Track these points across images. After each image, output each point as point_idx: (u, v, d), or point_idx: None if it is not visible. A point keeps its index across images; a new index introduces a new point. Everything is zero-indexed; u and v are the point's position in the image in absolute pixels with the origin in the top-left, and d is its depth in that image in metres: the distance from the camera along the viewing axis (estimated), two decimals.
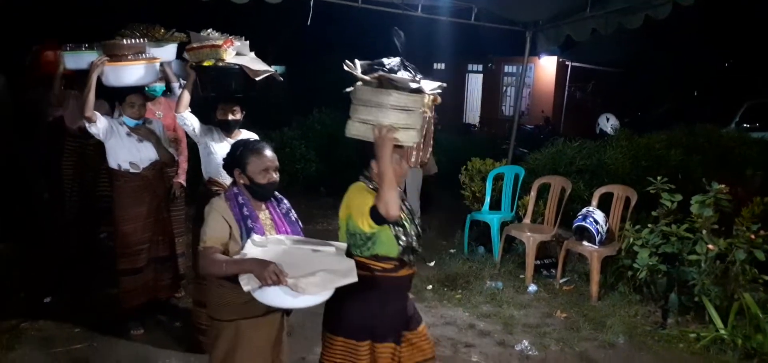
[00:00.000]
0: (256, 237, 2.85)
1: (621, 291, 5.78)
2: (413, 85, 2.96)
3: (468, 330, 5.14)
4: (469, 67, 20.29)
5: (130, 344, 4.62)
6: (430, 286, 5.94)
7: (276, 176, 3.01)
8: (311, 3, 6.98)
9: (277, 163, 3.04)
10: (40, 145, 6.60)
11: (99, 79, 4.47)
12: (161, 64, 4.71)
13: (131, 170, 4.62)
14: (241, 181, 2.99)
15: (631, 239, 5.63)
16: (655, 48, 15.79)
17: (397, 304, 3.06)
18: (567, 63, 17.72)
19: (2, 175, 6.94)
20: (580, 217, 5.99)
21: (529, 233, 6.30)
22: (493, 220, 6.82)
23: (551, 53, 16.84)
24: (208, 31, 4.42)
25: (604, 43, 12.42)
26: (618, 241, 5.91)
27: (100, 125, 4.49)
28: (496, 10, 7.91)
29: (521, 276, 6.31)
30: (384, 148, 2.82)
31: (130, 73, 4.56)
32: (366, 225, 2.87)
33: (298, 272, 2.67)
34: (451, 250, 7.01)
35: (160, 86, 5.22)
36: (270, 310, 2.87)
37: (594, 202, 6.18)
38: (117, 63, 4.49)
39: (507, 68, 19.41)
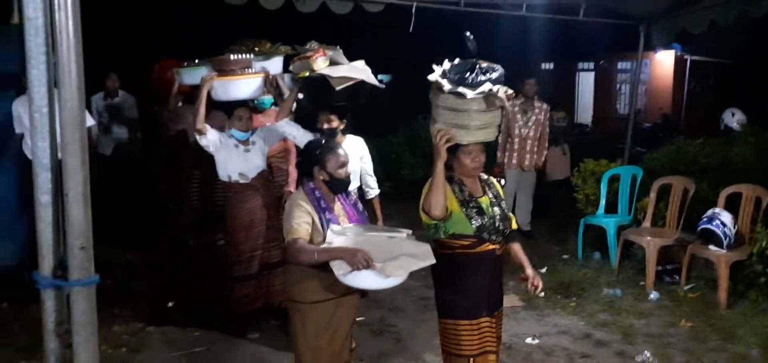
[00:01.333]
0: (334, 226, 3.16)
1: (752, 299, 5.34)
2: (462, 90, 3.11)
3: (584, 340, 4.91)
4: (579, 65, 19.63)
5: (246, 347, 4.77)
6: (542, 294, 5.71)
7: (349, 171, 3.35)
8: (413, 9, 7.00)
9: (348, 159, 3.36)
10: (161, 158, 6.99)
11: (209, 94, 4.66)
12: (274, 77, 4.83)
13: (241, 181, 4.78)
14: (321, 177, 3.28)
15: (764, 243, 5.18)
16: None
17: (482, 278, 3.23)
18: (686, 57, 16.76)
19: (131, 187, 7.43)
20: (705, 219, 5.58)
21: (649, 237, 5.95)
22: (609, 224, 6.50)
23: (669, 47, 16.00)
24: (311, 42, 4.53)
25: (724, 35, 11.70)
26: (748, 245, 5.47)
27: (210, 138, 4.68)
28: (606, 4, 7.58)
29: (641, 283, 5.96)
30: (435, 150, 3.07)
31: (237, 87, 4.71)
32: (424, 216, 3.16)
33: (380, 257, 2.97)
34: (564, 256, 6.74)
35: (268, 99, 5.37)
36: (349, 292, 3.21)
37: (720, 204, 5.75)
38: (225, 77, 4.66)
39: (620, 65, 18.61)
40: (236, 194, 4.81)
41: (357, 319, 4.96)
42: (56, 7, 1.84)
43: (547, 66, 19.31)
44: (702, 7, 6.97)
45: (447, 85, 3.21)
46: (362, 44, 5.15)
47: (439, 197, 3.05)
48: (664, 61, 17.21)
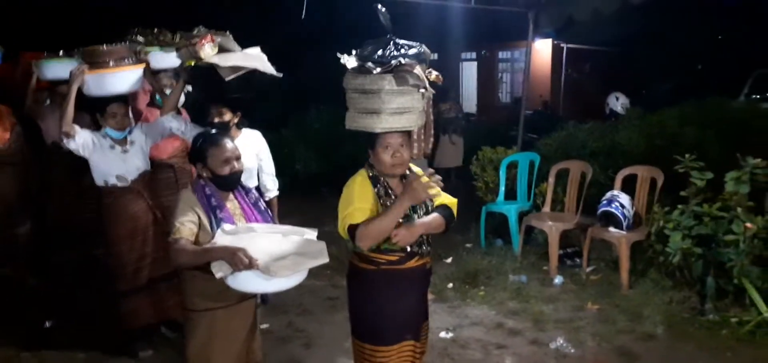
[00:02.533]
0: (226, 226, 2.90)
1: (652, 278, 5.48)
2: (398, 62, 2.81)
3: (497, 329, 4.84)
4: (463, 55, 20.01)
5: None
6: (450, 285, 5.62)
7: (238, 166, 3.05)
8: None
9: (238, 152, 3.07)
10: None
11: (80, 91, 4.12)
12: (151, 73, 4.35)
13: (119, 184, 4.25)
14: (204, 174, 3.03)
15: (661, 222, 5.33)
16: (652, 24, 15.49)
17: (410, 298, 2.91)
18: (562, 45, 17.45)
19: None
20: (604, 202, 5.69)
21: (550, 222, 5.99)
22: (511, 210, 6.51)
23: (545, 36, 16.56)
24: (198, 28, 4.12)
25: (598, 23, 12.21)
26: (646, 226, 5.62)
27: (79, 140, 4.11)
28: None
29: (545, 268, 6.01)
30: (409, 190, 2.70)
31: (114, 80, 4.18)
32: (342, 230, 2.81)
33: (270, 257, 2.74)
34: (467, 245, 6.70)
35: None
36: (244, 298, 3.00)
37: (617, 186, 5.88)
38: (99, 70, 4.12)
39: (501, 54, 19.16)
40: (116, 200, 4.27)
41: (262, 326, 4.67)
42: None
43: (432, 56, 19.50)
44: None
45: (351, 62, 2.90)
46: (250, 31, 4.77)
47: (385, 233, 2.72)
48: (542, 50, 17.82)
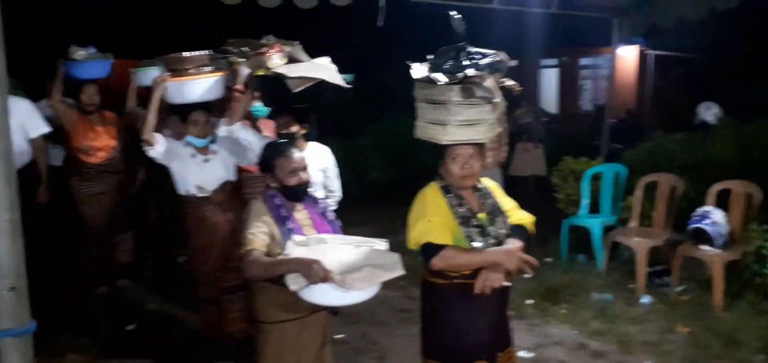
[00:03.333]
0: (296, 237, 2.88)
1: (749, 300, 5.09)
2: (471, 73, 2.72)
3: (579, 350, 4.60)
4: (542, 62, 19.53)
5: None
6: (530, 301, 5.39)
7: (305, 176, 3.05)
8: (381, 3, 6.60)
9: (305, 163, 3.07)
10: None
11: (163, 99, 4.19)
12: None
13: (199, 194, 4.25)
14: (273, 185, 3.03)
15: (759, 241, 4.95)
16: (744, 30, 14.65)
17: (484, 316, 2.77)
18: (648, 52, 16.74)
19: None
20: (696, 218, 5.33)
21: (638, 238, 5.68)
22: (594, 224, 6.21)
23: (630, 43, 15.95)
24: (267, 37, 4.08)
25: (686, 30, 11.68)
26: (742, 244, 5.23)
27: (159, 148, 4.15)
28: None
29: (631, 286, 5.68)
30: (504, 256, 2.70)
31: (194, 88, 4.21)
32: (414, 243, 2.74)
33: (343, 269, 2.69)
34: (548, 259, 6.41)
35: (262, 107, 4.74)
36: (315, 310, 2.95)
37: (710, 201, 5.50)
38: (179, 78, 4.17)
39: (582, 61, 18.58)
40: (195, 209, 4.27)
41: (336, 336, 4.61)
42: None
43: (511, 63, 19.14)
44: (672, 1, 6.84)
45: (421, 71, 2.82)
46: (326, 41, 4.72)
47: (464, 269, 2.70)
48: (626, 57, 17.17)
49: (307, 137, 4.20)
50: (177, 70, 4.18)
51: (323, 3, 6.43)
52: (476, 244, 2.70)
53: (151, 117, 4.08)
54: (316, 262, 2.64)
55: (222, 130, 4.13)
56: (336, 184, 4.37)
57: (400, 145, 10.02)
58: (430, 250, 2.67)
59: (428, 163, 8.49)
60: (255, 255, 2.77)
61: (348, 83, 4.21)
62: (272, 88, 3.90)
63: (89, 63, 5.24)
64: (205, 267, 4.32)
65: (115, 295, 5.56)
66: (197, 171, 4.25)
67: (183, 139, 4.32)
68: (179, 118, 4.61)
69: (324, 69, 4.02)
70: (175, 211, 4.93)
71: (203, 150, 4.29)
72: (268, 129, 4.54)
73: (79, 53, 5.22)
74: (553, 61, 19.44)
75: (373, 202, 9.19)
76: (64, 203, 5.50)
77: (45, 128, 5.26)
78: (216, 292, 4.34)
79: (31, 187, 5.28)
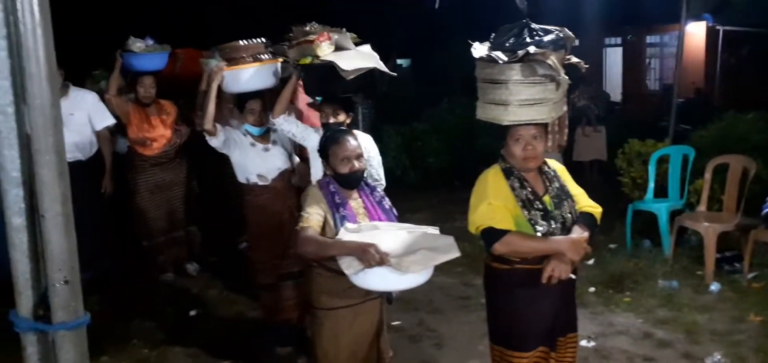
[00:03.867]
0: (349, 224, 2.87)
1: None
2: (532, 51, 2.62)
3: (644, 340, 4.44)
4: (606, 41, 18.97)
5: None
6: (592, 289, 5.24)
7: (359, 164, 3.02)
8: None
9: (359, 151, 3.04)
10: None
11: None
12: None
13: (260, 183, 4.28)
14: (328, 172, 3.05)
15: None
16: None
17: (547, 302, 2.71)
18: (718, 28, 16.03)
19: None
20: None
21: (707, 223, 5.44)
22: (661, 209, 5.98)
23: (698, 19, 15.30)
24: (311, 24, 4.00)
25: (757, 4, 11.11)
26: None
27: (221, 138, 4.19)
28: None
29: (699, 273, 5.45)
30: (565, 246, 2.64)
31: (249, 76, 4.23)
32: (474, 227, 2.70)
33: (398, 252, 2.67)
34: (611, 245, 6.21)
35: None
36: (368, 297, 2.94)
37: None
38: (234, 67, 4.20)
39: (649, 39, 17.94)
40: (256, 197, 4.31)
41: (393, 323, 4.60)
42: None
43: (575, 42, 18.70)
44: None
45: (481, 50, 2.75)
46: (382, 26, 4.64)
47: (527, 256, 2.66)
48: (695, 33, 16.47)
49: (351, 126, 4.16)
50: (233, 58, 4.21)
51: None
52: (539, 228, 2.64)
53: (211, 106, 4.11)
54: (371, 245, 2.64)
55: (276, 123, 4.13)
56: (380, 173, 4.32)
57: (458, 129, 9.96)
58: (492, 234, 2.62)
59: (487, 147, 8.47)
60: (311, 233, 2.81)
61: (403, 69, 4.15)
62: (319, 76, 3.87)
63: (147, 55, 5.31)
64: (265, 254, 4.36)
65: (179, 281, 5.69)
66: (258, 160, 4.29)
67: (239, 128, 4.36)
68: (235, 106, 4.67)
69: (370, 57, 3.97)
70: (235, 198, 5.03)
71: (263, 139, 4.33)
72: (314, 119, 4.49)
73: (137, 45, 5.28)
74: (617, 40, 18.83)
75: (430, 188, 9.13)
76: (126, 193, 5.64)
77: (110, 120, 5.41)
78: (275, 278, 4.38)
79: (99, 177, 5.47)
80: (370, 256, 2.60)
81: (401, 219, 3.18)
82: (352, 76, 3.67)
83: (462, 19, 11.37)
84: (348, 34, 4.00)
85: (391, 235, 2.84)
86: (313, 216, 2.86)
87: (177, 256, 5.77)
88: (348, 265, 2.65)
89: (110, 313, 4.93)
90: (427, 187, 9.21)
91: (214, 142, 4.21)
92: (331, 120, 3.91)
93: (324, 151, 3.07)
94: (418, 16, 11.28)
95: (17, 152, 1.50)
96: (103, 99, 5.38)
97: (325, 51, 3.76)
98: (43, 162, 1.46)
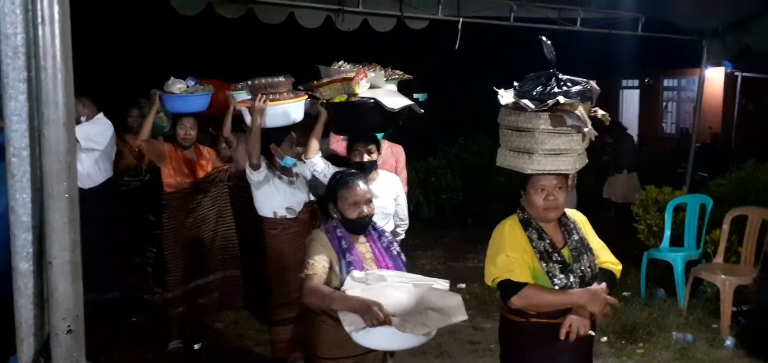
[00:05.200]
0: (355, 272, 2.78)
1: None
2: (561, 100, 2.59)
3: None
4: (623, 83, 18.95)
5: None
6: (604, 339, 5.14)
7: (368, 210, 2.94)
8: (459, 25, 6.53)
9: (369, 196, 2.96)
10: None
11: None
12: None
13: (288, 216, 4.27)
14: (335, 216, 2.95)
15: None
16: None
17: (563, 357, 2.63)
18: (736, 74, 15.96)
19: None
20: None
21: (723, 276, 5.34)
22: (677, 259, 5.89)
23: (717, 65, 15.24)
24: (340, 63, 4.03)
25: None
26: None
27: (263, 172, 4.19)
28: (668, 18, 7.05)
29: (714, 326, 5.34)
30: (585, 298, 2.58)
31: (280, 112, 4.20)
32: (490, 279, 2.65)
33: (403, 311, 2.58)
34: (625, 293, 6.12)
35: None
36: (371, 349, 2.81)
37: None
38: (271, 103, 4.17)
39: (666, 82, 17.91)
40: (284, 230, 4.28)
41: None
42: (39, 22, 1.41)
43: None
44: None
45: (508, 97, 2.71)
46: (399, 62, 4.62)
47: (546, 310, 2.59)
48: (713, 79, 16.43)
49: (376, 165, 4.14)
50: (264, 94, 4.18)
51: (399, 26, 6.44)
52: (557, 282, 2.58)
53: (257, 141, 4.09)
54: (376, 303, 2.55)
55: (302, 167, 4.16)
56: (405, 213, 4.29)
57: (473, 166, 9.95)
58: (510, 287, 2.57)
59: (501, 185, 8.39)
60: (315, 282, 2.73)
61: (420, 103, 4.16)
62: (344, 115, 3.87)
63: (188, 96, 4.92)
64: (287, 289, 4.28)
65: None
66: (287, 194, 4.29)
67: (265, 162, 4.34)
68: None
69: (399, 95, 4.00)
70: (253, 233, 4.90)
71: (289, 171, 4.33)
72: (340, 148, 4.54)
73: (178, 86, 4.90)
74: (634, 82, 18.83)
75: (443, 225, 9.08)
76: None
77: (94, 145, 5.24)
78: (295, 312, 4.26)
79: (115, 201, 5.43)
80: (373, 316, 2.51)
81: (413, 255, 3.13)
82: (397, 110, 3.69)
83: (480, 59, 11.41)
84: (382, 71, 4.02)
85: (397, 289, 2.75)
86: (319, 264, 2.79)
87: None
88: (350, 322, 2.57)
89: (116, 341, 4.91)
90: (440, 223, 9.16)
91: (256, 175, 4.20)
92: (366, 158, 3.90)
93: (332, 193, 2.99)
94: (438, 55, 11.30)
95: (29, 196, 1.48)
96: None
97: (363, 88, 3.77)
98: (54, 208, 1.44)
